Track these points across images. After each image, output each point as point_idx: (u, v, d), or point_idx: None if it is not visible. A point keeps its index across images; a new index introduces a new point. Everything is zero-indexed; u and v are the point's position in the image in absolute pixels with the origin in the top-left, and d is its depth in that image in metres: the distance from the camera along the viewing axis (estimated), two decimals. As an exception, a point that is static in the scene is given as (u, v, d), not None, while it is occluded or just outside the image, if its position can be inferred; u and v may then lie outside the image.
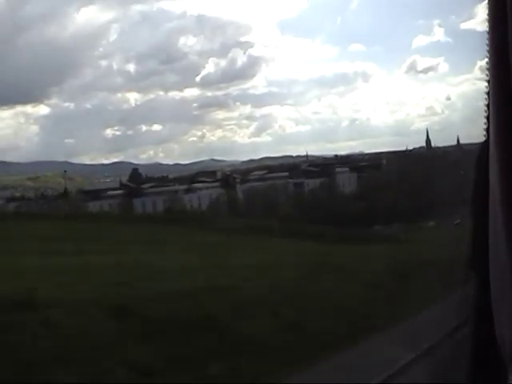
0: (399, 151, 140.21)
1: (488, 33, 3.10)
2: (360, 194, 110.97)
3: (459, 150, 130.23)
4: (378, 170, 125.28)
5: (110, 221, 59.02)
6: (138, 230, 56.14)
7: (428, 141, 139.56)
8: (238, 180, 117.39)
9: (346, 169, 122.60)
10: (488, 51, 3.18)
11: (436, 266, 29.47)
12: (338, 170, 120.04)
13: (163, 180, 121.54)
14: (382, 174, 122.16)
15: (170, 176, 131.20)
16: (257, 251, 47.48)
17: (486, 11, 3.10)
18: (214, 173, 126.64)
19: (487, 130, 3.39)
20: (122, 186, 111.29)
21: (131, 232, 52.29)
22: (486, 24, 3.12)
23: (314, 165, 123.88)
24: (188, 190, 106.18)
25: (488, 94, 3.44)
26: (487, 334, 3.50)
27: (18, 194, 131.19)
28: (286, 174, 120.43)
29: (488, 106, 3.46)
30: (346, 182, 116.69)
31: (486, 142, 3.29)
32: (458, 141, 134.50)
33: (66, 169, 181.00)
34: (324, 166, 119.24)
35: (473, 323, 3.86)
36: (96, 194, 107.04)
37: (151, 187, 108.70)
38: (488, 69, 3.23)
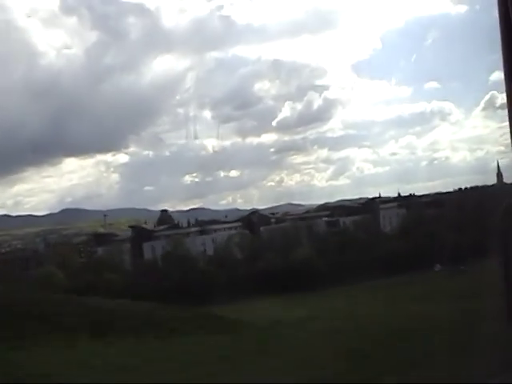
0: (470, 188, 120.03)
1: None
2: (402, 232, 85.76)
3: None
4: (439, 207, 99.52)
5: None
6: None
7: (499, 175, 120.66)
8: (273, 220, 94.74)
9: (394, 204, 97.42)
10: None
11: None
12: (383, 206, 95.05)
13: (213, 223, 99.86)
14: (442, 211, 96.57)
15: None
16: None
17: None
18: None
19: None
20: (132, 228, 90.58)
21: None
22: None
23: (358, 202, 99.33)
24: (202, 232, 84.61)
25: None
26: None
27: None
28: (327, 212, 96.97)
29: None
30: (394, 218, 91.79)
31: None
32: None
33: (145, 216, 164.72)
34: (368, 203, 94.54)
35: None
36: (108, 238, 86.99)
37: (163, 230, 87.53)
38: None
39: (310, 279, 70.90)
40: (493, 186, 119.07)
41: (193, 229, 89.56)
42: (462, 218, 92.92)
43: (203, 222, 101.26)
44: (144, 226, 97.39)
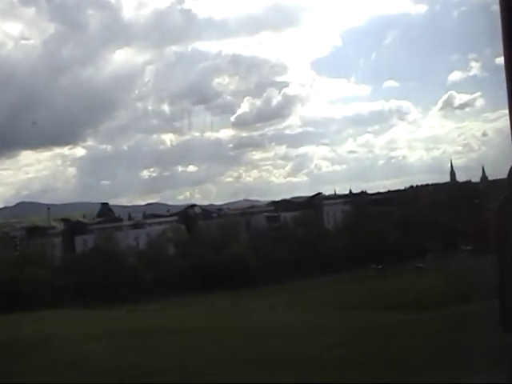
0: (421, 186, 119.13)
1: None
2: (344, 229, 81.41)
3: (483, 183, 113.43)
4: (388, 204, 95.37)
5: None
6: None
7: (452, 173, 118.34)
8: (215, 215, 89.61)
9: (339, 201, 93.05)
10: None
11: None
12: (327, 202, 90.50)
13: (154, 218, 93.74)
14: (390, 208, 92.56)
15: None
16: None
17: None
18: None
19: None
20: (64, 221, 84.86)
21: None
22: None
23: (301, 198, 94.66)
24: (135, 226, 79.41)
25: None
26: None
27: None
28: (272, 208, 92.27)
29: None
30: (338, 214, 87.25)
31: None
32: (482, 174, 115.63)
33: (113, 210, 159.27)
34: (311, 199, 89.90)
35: None
36: (44, 232, 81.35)
37: (97, 223, 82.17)
38: None
39: (239, 277, 66.36)
40: (444, 184, 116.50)
41: (126, 222, 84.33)
42: (408, 216, 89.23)
43: (149, 216, 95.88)
44: (80, 219, 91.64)
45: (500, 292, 3.46)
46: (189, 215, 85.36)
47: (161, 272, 68.00)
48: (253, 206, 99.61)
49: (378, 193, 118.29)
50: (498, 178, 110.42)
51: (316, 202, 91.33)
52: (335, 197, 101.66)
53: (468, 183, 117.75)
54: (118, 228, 79.46)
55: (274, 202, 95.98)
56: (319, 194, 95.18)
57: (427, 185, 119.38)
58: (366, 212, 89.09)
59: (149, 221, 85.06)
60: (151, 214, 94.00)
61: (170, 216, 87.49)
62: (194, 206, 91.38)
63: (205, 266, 68.24)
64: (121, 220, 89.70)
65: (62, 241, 79.75)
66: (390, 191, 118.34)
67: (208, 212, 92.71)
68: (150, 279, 66.30)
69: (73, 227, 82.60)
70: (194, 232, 79.39)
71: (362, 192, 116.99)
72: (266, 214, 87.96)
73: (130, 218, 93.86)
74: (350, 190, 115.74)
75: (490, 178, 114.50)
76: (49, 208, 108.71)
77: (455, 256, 74.69)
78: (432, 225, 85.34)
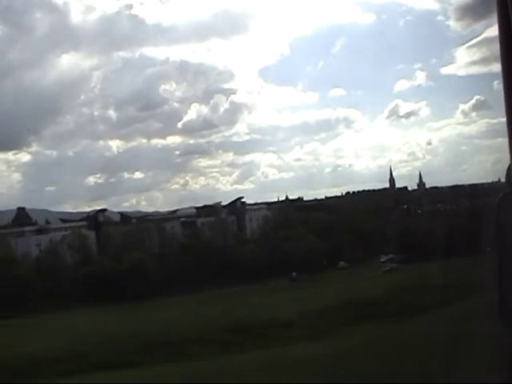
0: (358, 192, 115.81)
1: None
2: (262, 236, 76.77)
3: (419, 190, 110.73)
4: (320, 210, 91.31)
5: None
6: None
7: (392, 180, 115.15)
8: (133, 220, 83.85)
9: (263, 206, 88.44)
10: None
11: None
12: (250, 207, 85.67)
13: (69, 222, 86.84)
14: (318, 215, 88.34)
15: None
16: None
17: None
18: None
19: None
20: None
21: None
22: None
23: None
24: (39, 232, 73.27)
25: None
26: None
27: None
28: (194, 212, 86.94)
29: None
30: (261, 220, 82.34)
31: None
32: (419, 181, 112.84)
33: (47, 216, 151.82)
34: (234, 204, 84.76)
35: None
36: None
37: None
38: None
39: (135, 287, 60.99)
40: (379, 190, 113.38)
41: (29, 228, 78.16)
42: (334, 222, 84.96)
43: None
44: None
45: (499, 289, 3.40)
46: (98, 220, 79.65)
47: (52, 282, 62.26)
48: (175, 212, 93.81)
49: (316, 199, 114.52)
50: (439, 185, 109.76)
51: (239, 208, 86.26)
52: (259, 203, 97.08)
53: (403, 190, 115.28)
54: (20, 234, 73.64)
55: (195, 208, 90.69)
56: (240, 198, 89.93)
57: (363, 191, 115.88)
58: (288, 218, 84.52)
59: (54, 226, 79.31)
60: (61, 218, 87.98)
61: (79, 221, 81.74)
62: (104, 210, 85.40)
63: (101, 275, 62.73)
64: (26, 225, 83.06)
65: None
66: (326, 197, 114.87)
67: (127, 217, 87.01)
68: (39, 290, 60.62)
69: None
70: (100, 238, 73.77)
71: (299, 198, 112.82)
72: (182, 219, 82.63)
73: (47, 223, 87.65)
74: (287, 197, 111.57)
75: (429, 186, 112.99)
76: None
77: (364, 266, 70.61)
78: (355, 231, 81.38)
